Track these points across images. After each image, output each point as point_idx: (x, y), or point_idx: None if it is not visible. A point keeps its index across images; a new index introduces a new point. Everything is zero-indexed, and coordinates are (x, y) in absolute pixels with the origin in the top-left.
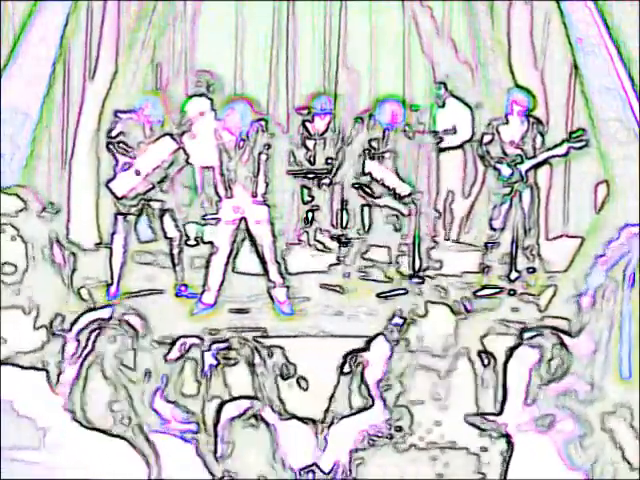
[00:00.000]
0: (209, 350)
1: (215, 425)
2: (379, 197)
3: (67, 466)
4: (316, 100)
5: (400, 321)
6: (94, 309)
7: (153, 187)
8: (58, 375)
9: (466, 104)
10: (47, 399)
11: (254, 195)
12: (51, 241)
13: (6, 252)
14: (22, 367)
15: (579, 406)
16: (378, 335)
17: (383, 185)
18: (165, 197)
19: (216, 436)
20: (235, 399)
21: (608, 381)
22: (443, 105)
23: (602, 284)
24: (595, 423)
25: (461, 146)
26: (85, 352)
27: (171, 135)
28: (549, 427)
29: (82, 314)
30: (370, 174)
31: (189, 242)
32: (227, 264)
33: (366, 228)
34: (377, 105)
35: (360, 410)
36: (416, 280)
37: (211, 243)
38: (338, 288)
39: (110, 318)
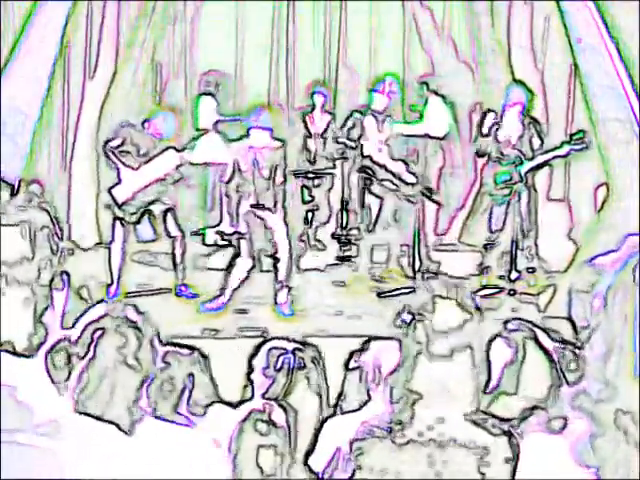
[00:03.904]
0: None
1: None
2: (383, 180)
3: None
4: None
5: (408, 317)
6: (87, 310)
7: (155, 200)
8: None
9: (446, 102)
10: (47, 387)
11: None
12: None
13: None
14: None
15: (592, 405)
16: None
17: (386, 170)
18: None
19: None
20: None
21: (622, 379)
22: (425, 103)
23: (612, 285)
24: (608, 421)
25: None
26: (88, 356)
27: (175, 148)
28: (561, 430)
29: (78, 318)
30: (370, 157)
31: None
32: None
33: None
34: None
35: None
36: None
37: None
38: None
39: (106, 315)
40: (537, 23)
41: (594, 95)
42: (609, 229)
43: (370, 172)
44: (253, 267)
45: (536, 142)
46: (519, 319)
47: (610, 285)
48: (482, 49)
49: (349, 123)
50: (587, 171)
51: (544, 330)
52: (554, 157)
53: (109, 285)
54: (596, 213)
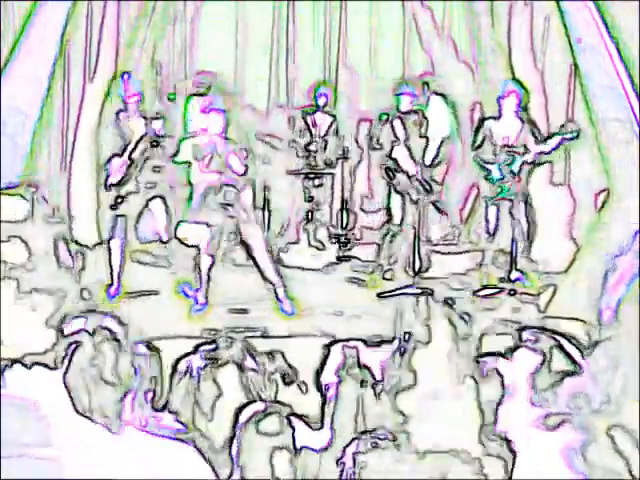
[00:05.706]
0: (196, 352)
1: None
2: (398, 185)
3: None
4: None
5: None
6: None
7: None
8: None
9: (448, 102)
10: (56, 397)
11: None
12: (55, 240)
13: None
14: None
15: (590, 412)
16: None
17: (407, 176)
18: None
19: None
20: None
21: (625, 393)
22: (427, 103)
23: (624, 297)
24: (601, 432)
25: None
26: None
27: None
28: (555, 428)
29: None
30: (396, 160)
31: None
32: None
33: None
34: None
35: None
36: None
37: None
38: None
39: (83, 330)
40: (537, 23)
41: (594, 95)
42: (609, 229)
43: (391, 174)
44: (213, 264)
45: (532, 143)
46: (535, 328)
47: (622, 296)
48: (482, 49)
49: (379, 126)
50: (587, 171)
51: (567, 338)
52: (547, 151)
53: (109, 285)
54: (596, 213)
